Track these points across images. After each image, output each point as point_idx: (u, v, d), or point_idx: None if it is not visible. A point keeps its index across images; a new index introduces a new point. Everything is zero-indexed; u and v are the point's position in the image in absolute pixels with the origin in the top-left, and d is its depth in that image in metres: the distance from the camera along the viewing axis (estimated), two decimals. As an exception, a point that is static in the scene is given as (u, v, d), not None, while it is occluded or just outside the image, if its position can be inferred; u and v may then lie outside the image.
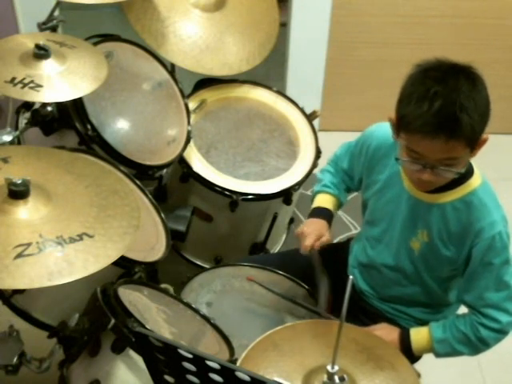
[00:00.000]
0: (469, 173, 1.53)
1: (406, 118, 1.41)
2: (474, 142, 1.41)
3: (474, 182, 1.53)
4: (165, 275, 1.86)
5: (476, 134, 1.38)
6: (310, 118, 2.33)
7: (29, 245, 1.26)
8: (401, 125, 1.43)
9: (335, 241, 1.99)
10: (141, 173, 1.92)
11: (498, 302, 1.54)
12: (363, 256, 1.77)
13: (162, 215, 1.84)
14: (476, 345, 1.57)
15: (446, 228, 1.55)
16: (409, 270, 1.66)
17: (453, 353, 1.61)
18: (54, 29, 2.00)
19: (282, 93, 2.38)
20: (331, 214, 1.81)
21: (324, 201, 1.84)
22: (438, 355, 1.63)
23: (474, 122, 1.36)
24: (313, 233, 1.70)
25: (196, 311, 1.63)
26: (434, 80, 1.38)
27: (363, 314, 1.78)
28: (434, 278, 1.64)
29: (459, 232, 1.53)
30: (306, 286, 1.80)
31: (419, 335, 1.62)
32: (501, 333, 1.56)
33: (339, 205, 1.87)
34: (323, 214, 1.80)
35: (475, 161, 1.55)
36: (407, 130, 1.41)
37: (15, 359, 1.38)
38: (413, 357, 1.61)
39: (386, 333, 1.61)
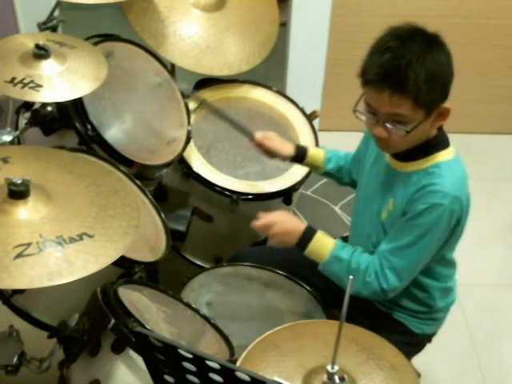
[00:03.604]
0: (439, 146, 1.54)
1: (361, 70, 1.48)
2: (426, 105, 1.43)
3: (442, 156, 1.54)
4: (165, 275, 1.86)
5: (422, 92, 1.40)
6: (310, 118, 2.33)
7: (29, 245, 1.26)
8: (360, 78, 1.50)
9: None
10: (141, 173, 1.92)
11: (398, 267, 1.55)
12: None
13: (162, 215, 1.84)
14: (359, 284, 1.57)
15: (406, 196, 1.54)
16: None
17: (334, 274, 1.62)
18: (54, 29, 2.00)
19: (282, 93, 2.38)
20: (305, 149, 1.92)
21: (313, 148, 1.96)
22: (323, 268, 1.63)
23: (420, 81, 1.39)
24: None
25: (196, 311, 1.63)
26: (392, 37, 1.45)
27: (359, 311, 1.77)
28: None
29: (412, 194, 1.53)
30: (307, 287, 1.80)
31: (323, 240, 1.62)
32: (381, 292, 1.57)
33: (322, 162, 1.92)
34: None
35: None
36: (362, 82, 1.49)
37: (15, 359, 1.38)
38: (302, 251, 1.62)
39: (288, 219, 1.66)
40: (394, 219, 1.58)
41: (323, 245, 1.62)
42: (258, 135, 1.93)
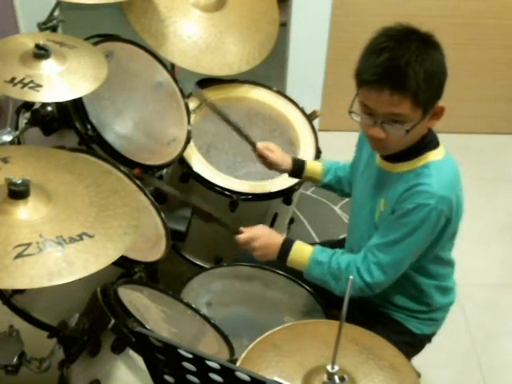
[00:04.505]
0: (429, 145, 1.55)
1: (357, 71, 1.49)
2: (424, 104, 1.44)
3: (432, 156, 1.54)
4: (165, 275, 1.86)
5: (421, 91, 1.41)
6: (310, 118, 2.33)
7: (29, 245, 1.26)
8: (355, 79, 1.50)
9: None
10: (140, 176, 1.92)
11: (384, 262, 1.56)
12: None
13: (162, 215, 1.84)
14: (342, 283, 1.59)
15: (395, 195, 1.55)
16: None
17: (317, 278, 1.64)
18: (54, 29, 2.00)
19: (282, 93, 2.38)
20: (302, 163, 1.93)
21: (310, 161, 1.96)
22: (306, 275, 1.65)
23: (419, 79, 1.40)
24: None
25: (196, 311, 1.63)
26: (387, 37, 1.45)
27: (359, 311, 1.77)
28: None
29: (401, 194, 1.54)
30: (307, 287, 1.80)
31: (302, 248, 1.65)
32: (367, 287, 1.58)
33: (320, 174, 1.92)
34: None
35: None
36: (359, 83, 1.50)
37: (15, 359, 1.38)
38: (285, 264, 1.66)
39: (268, 233, 1.69)
40: (385, 219, 1.58)
41: (302, 253, 1.65)
42: (260, 146, 1.93)
